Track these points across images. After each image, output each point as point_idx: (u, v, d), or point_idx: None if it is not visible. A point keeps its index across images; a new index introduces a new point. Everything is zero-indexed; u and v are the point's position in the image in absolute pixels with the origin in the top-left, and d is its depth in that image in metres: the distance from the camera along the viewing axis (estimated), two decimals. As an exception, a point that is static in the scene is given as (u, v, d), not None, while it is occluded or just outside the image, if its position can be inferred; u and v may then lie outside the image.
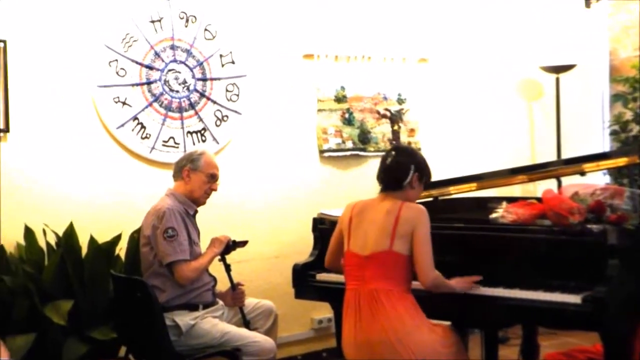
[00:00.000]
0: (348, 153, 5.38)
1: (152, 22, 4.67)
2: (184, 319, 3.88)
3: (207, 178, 4.06)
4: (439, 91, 5.81)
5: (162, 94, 4.72)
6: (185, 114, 4.80)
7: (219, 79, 4.91)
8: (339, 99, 5.36)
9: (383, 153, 5.29)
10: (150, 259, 3.95)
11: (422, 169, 3.57)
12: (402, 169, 3.51)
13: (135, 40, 4.61)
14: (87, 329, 4.04)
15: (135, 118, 4.62)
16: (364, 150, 5.43)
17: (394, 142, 5.50)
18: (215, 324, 3.92)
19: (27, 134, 4.31)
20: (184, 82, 4.79)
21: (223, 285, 4.17)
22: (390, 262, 3.38)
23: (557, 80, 6.07)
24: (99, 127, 4.54)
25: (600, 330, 3.26)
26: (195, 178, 4.04)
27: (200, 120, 4.85)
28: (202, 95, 4.86)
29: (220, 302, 4.11)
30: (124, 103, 4.58)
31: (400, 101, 5.60)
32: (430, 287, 3.39)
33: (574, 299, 3.20)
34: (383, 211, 3.44)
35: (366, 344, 3.36)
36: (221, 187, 4.19)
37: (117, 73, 4.55)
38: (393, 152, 3.62)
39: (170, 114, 4.75)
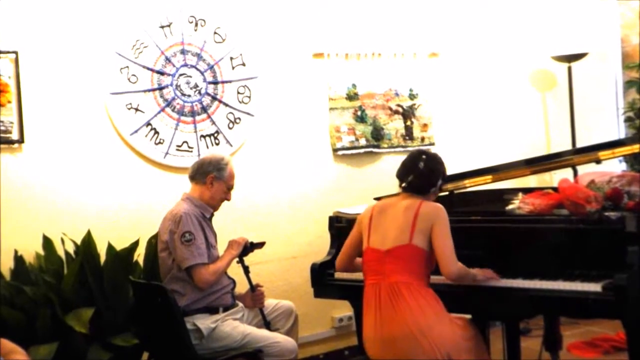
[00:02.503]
0: (362, 150, 5.38)
1: (162, 27, 4.69)
2: (204, 322, 3.89)
3: (226, 188, 4.08)
4: (450, 85, 5.80)
5: (174, 98, 4.73)
6: (197, 118, 4.81)
7: (230, 81, 4.92)
8: (351, 97, 5.35)
9: (398, 149, 5.34)
10: (169, 264, 3.96)
11: (445, 177, 3.70)
12: (435, 176, 3.61)
13: (145, 46, 4.62)
14: (109, 336, 4.05)
15: (148, 124, 4.63)
16: (377, 147, 5.42)
17: (406, 138, 5.48)
18: (236, 326, 3.93)
19: (41, 143, 4.34)
20: (196, 86, 4.80)
21: (242, 287, 4.18)
22: (410, 256, 3.41)
23: (569, 69, 6.04)
24: (112, 134, 4.55)
25: (622, 317, 3.24)
26: (218, 187, 4.04)
27: (213, 123, 4.86)
28: (214, 98, 4.87)
29: (240, 304, 4.12)
30: (136, 109, 4.59)
31: (412, 96, 5.59)
32: (454, 279, 3.42)
33: (595, 287, 3.19)
34: (402, 208, 3.50)
35: (389, 339, 3.36)
36: (236, 189, 4.19)
37: (128, 80, 4.57)
38: (424, 157, 3.63)
39: (182, 118, 4.76)
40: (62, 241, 4.24)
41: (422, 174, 3.57)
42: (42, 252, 4.22)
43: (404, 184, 3.59)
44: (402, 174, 3.63)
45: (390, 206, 3.58)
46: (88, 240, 4.21)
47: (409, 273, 3.40)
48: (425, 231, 3.41)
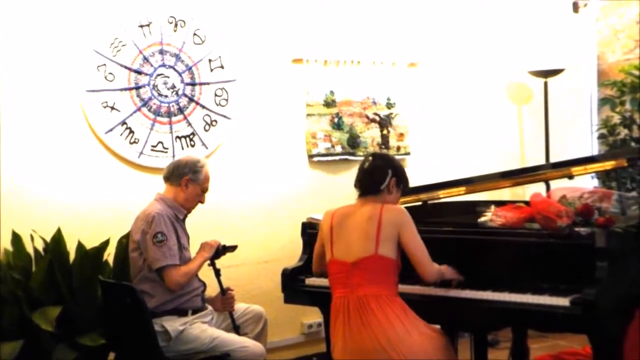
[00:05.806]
0: (337, 157, 5.38)
1: (141, 26, 4.67)
2: (173, 324, 3.86)
3: (201, 191, 4.06)
4: (428, 95, 5.82)
5: (150, 98, 4.71)
6: (174, 119, 4.79)
7: (207, 83, 4.91)
8: (328, 104, 5.36)
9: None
10: (139, 264, 3.93)
11: (400, 174, 3.60)
12: (380, 172, 3.53)
13: (123, 45, 4.60)
14: (76, 335, 4.02)
15: (123, 123, 4.60)
16: (353, 154, 5.42)
17: (382, 147, 5.50)
18: (204, 330, 3.91)
19: (15, 139, 4.30)
20: (173, 86, 4.78)
21: (212, 290, 4.16)
22: (377, 267, 3.38)
23: (546, 84, 6.09)
24: (87, 132, 4.52)
25: (589, 332, 3.26)
26: (192, 189, 4.02)
27: (189, 125, 4.84)
28: (191, 100, 4.85)
29: (210, 308, 4.10)
30: (112, 108, 4.57)
31: (389, 105, 5.60)
32: (434, 280, 3.47)
33: (563, 301, 3.20)
34: (364, 216, 3.44)
35: (358, 352, 3.34)
36: (211, 191, 4.17)
37: (105, 78, 4.54)
38: (370, 158, 3.63)
39: (159, 118, 4.74)
40: (32, 238, 4.20)
41: (366, 172, 3.55)
42: (10, 249, 4.18)
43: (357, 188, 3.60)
44: (355, 180, 3.63)
45: (350, 214, 3.52)
46: (58, 237, 4.18)
47: (377, 285, 3.37)
48: (391, 239, 3.37)
